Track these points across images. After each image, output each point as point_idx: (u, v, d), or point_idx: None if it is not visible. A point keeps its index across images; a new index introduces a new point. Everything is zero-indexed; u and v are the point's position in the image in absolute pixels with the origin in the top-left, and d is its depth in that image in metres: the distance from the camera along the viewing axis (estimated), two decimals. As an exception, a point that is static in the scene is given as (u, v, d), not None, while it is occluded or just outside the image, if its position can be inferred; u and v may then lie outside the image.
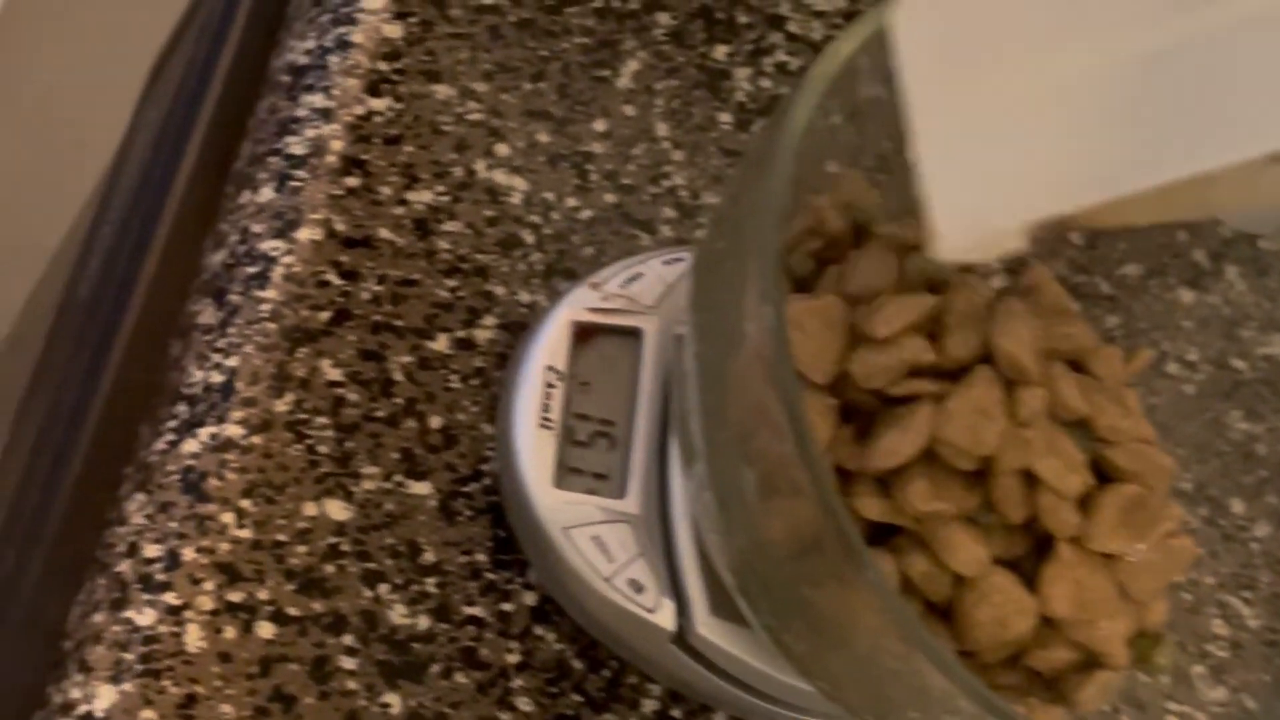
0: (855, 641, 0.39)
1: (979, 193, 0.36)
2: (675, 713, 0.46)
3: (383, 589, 0.43)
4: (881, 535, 0.41)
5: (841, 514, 0.36)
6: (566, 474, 0.44)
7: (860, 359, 0.40)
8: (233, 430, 0.43)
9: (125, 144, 0.80)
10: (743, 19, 0.56)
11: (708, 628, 0.43)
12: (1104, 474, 0.40)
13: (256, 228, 0.47)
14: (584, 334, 0.46)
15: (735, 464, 0.41)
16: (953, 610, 0.41)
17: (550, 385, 0.45)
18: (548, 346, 0.45)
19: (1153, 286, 0.54)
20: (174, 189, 0.54)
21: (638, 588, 0.43)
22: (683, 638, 0.44)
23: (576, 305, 0.46)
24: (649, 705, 0.46)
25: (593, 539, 0.44)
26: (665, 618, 0.43)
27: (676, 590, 0.44)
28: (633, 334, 0.46)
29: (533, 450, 0.44)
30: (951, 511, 0.40)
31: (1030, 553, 0.41)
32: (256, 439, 0.43)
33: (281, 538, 0.43)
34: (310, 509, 0.43)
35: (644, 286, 0.47)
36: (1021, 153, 0.36)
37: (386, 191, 0.48)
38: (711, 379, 0.42)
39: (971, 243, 0.36)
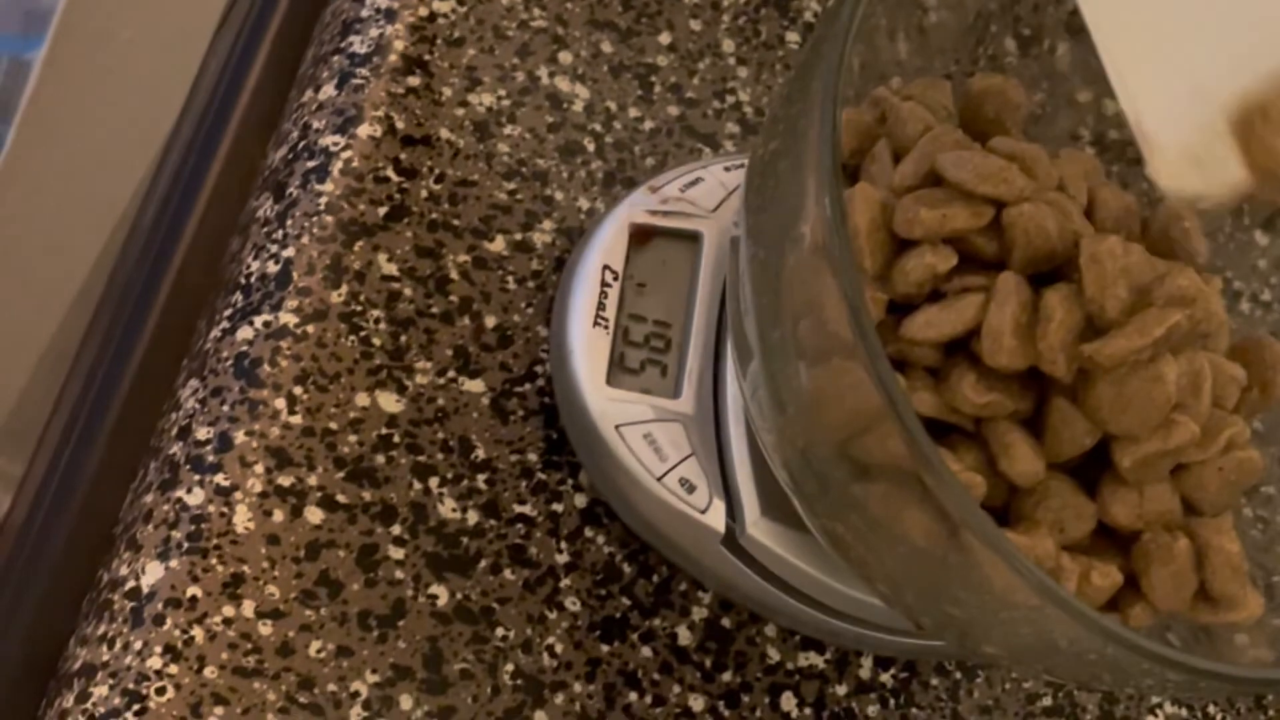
0: (912, 536, 0.38)
1: (1185, 94, 0.35)
2: (725, 622, 0.45)
3: (433, 482, 0.43)
4: (934, 434, 0.40)
5: (902, 401, 0.35)
6: (620, 372, 0.44)
7: (907, 256, 0.40)
8: (287, 318, 0.43)
9: (195, 85, 0.80)
10: (812, -61, 0.55)
11: (758, 529, 0.43)
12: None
13: (317, 123, 0.46)
14: (642, 236, 0.46)
15: (790, 360, 0.41)
16: (1009, 511, 0.40)
17: (606, 285, 0.45)
18: (605, 247, 0.45)
19: (1227, 226, 0.53)
20: (241, 99, 0.54)
21: (689, 487, 0.43)
22: (733, 539, 0.43)
23: (635, 207, 0.46)
24: (698, 613, 0.45)
25: (644, 437, 0.43)
26: (716, 518, 0.43)
27: (728, 492, 0.43)
28: (691, 237, 0.46)
29: (586, 347, 0.44)
30: (1006, 407, 0.39)
31: (1088, 457, 0.40)
32: (310, 328, 0.43)
33: (332, 425, 0.43)
34: (362, 399, 0.43)
35: (703, 191, 0.46)
36: (1210, 32, 0.35)
37: (447, 93, 0.48)
38: (766, 278, 0.41)
39: (1192, 163, 0.35)
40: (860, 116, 0.43)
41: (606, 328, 0.44)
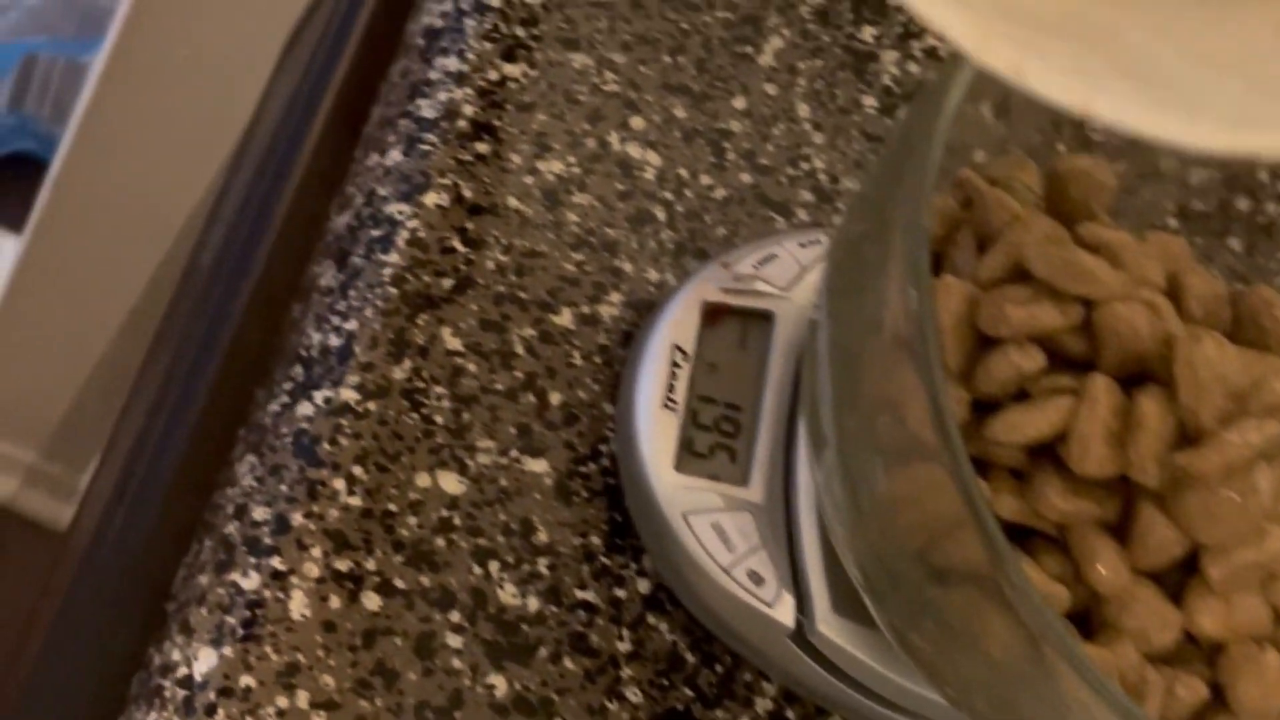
0: (988, 645, 0.37)
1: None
2: (790, 714, 0.44)
3: (493, 566, 0.42)
4: (1013, 537, 0.39)
5: (982, 507, 0.34)
6: (688, 457, 0.43)
7: (991, 354, 0.38)
8: (348, 395, 0.42)
9: (257, 114, 0.80)
10: None
11: (828, 625, 0.41)
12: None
13: (383, 190, 0.45)
14: (713, 314, 0.44)
15: (867, 453, 0.39)
16: (1091, 618, 0.39)
17: (676, 365, 0.43)
18: (675, 325, 0.44)
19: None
20: (302, 152, 0.53)
21: (757, 580, 0.42)
22: (802, 634, 0.42)
23: (707, 284, 0.44)
24: (762, 704, 0.44)
25: (712, 526, 0.42)
26: (785, 613, 0.41)
27: (797, 585, 0.42)
28: (763, 317, 0.44)
29: (654, 431, 0.42)
30: (1092, 514, 0.37)
31: (1176, 565, 0.39)
32: (372, 405, 0.42)
33: (392, 507, 0.41)
34: (423, 480, 0.42)
35: (777, 269, 0.45)
36: None
37: (516, 160, 0.47)
38: (845, 364, 0.40)
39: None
40: (944, 201, 0.41)
41: (675, 410, 0.43)
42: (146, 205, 1.12)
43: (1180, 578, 0.39)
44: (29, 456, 1.31)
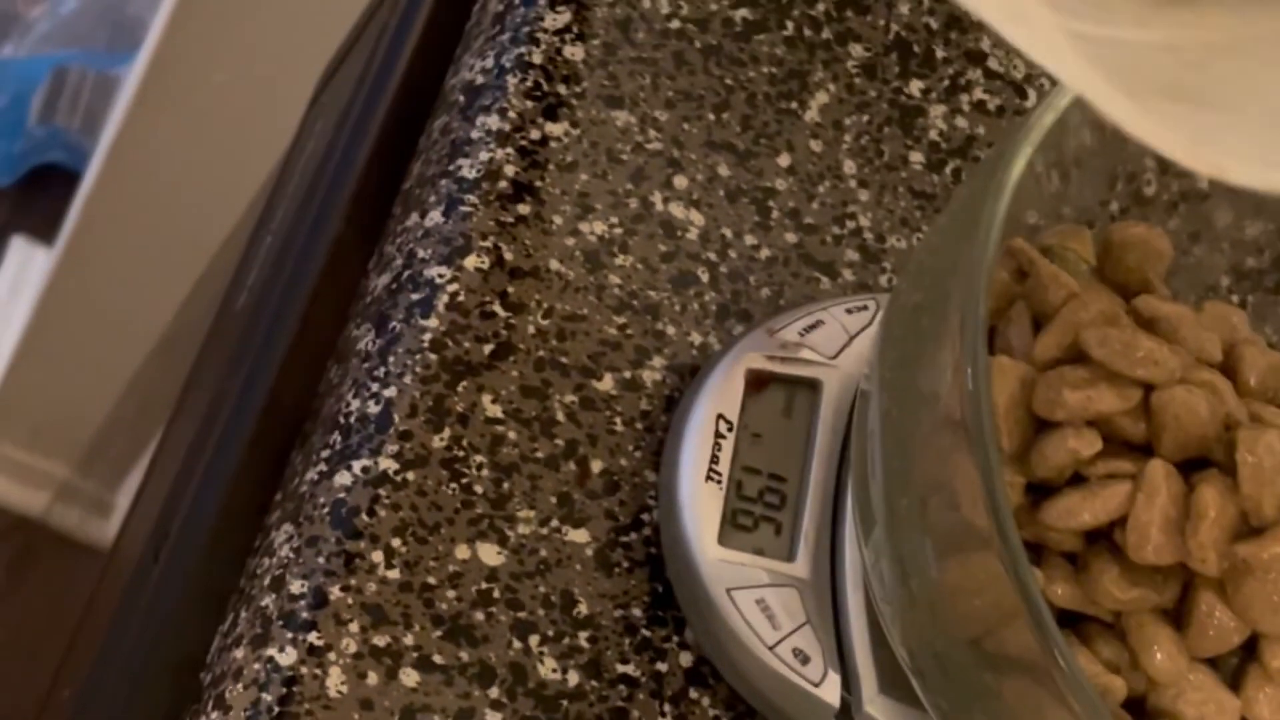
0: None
1: None
2: (833, 790, 0.43)
3: (533, 640, 0.41)
4: (1067, 621, 0.38)
5: (1036, 597, 0.33)
6: (732, 531, 0.42)
7: (1047, 438, 0.37)
8: (386, 464, 0.41)
9: (292, 151, 0.79)
10: (940, 53, 0.53)
11: (875, 706, 0.40)
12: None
13: (423, 252, 0.45)
14: (758, 383, 0.43)
15: (918, 533, 0.38)
16: (1147, 704, 0.38)
17: (720, 435, 0.43)
18: (719, 393, 0.43)
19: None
20: (339, 204, 0.52)
21: (803, 658, 0.41)
22: (848, 714, 0.41)
23: (752, 352, 0.44)
24: (806, 781, 0.43)
25: (757, 603, 0.41)
26: (831, 692, 0.41)
27: (844, 663, 0.41)
28: (810, 385, 0.44)
29: (698, 504, 0.42)
30: (1150, 602, 0.37)
31: (1235, 650, 0.38)
32: (411, 475, 0.41)
33: (431, 580, 0.41)
34: (462, 551, 0.41)
35: (824, 335, 0.44)
36: None
37: (558, 221, 0.46)
38: (897, 440, 0.39)
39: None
40: (998, 274, 0.40)
41: (720, 482, 0.42)
42: (178, 227, 1.12)
43: (1238, 664, 0.38)
44: (62, 472, 1.31)
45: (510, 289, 0.44)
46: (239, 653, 0.40)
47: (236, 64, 1.08)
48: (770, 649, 0.41)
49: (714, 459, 0.42)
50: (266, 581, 0.41)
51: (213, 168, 1.07)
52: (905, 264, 0.49)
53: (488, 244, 0.45)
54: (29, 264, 1.41)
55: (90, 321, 1.21)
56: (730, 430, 0.43)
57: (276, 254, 0.60)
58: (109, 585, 0.61)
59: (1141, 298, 0.40)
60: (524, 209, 0.45)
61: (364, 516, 0.41)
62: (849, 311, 0.45)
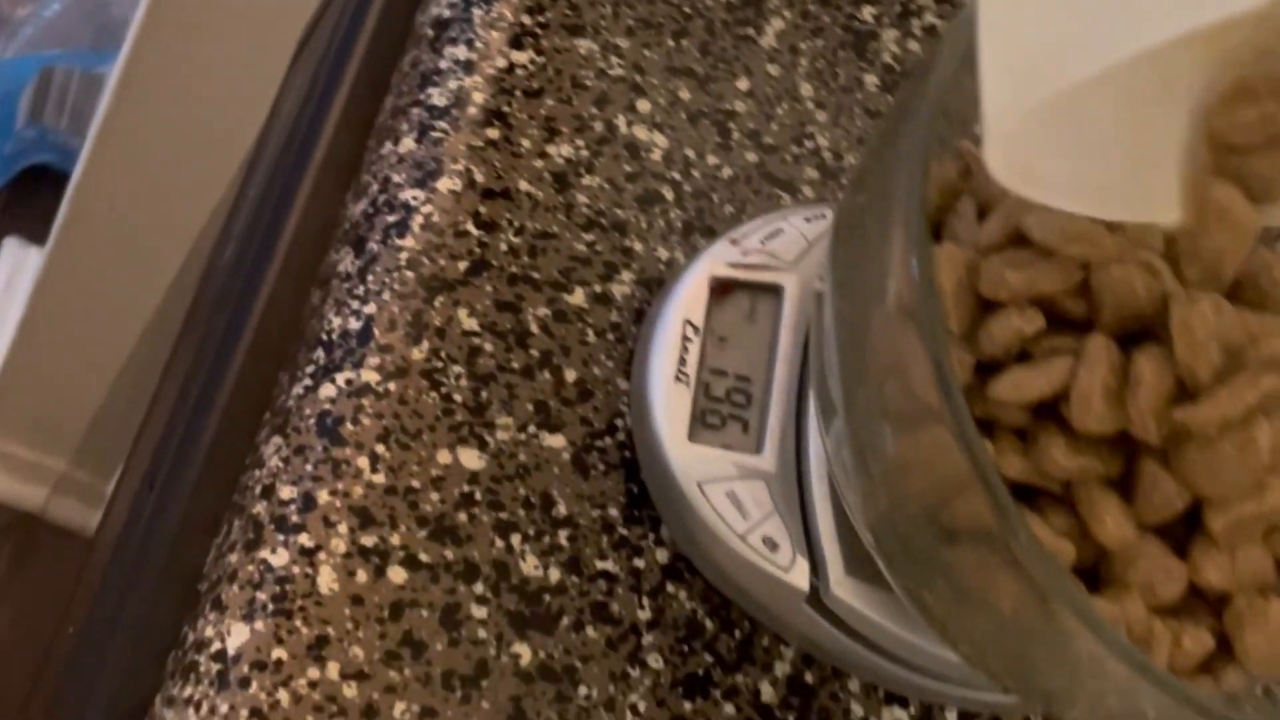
0: (998, 602, 0.38)
1: (1021, 71, 0.35)
2: (808, 677, 0.45)
3: (514, 539, 0.43)
4: (1019, 496, 0.40)
5: (987, 465, 0.35)
6: (701, 428, 0.44)
7: (993, 318, 0.39)
8: (369, 376, 0.43)
9: (272, 112, 0.81)
10: (891, -21, 0.55)
11: (842, 588, 0.42)
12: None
13: (397, 177, 0.47)
14: (722, 289, 0.45)
15: (875, 419, 0.40)
16: (1099, 574, 0.40)
17: (687, 339, 0.44)
18: (685, 301, 0.45)
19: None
20: (318, 145, 0.54)
21: (772, 546, 0.43)
22: (817, 598, 0.43)
23: (715, 260, 0.46)
24: (781, 668, 0.45)
25: (727, 495, 0.43)
26: (799, 577, 0.42)
27: (811, 549, 0.43)
28: (772, 290, 0.45)
29: (668, 403, 0.44)
30: (1096, 471, 0.38)
31: (1180, 520, 0.40)
32: (392, 385, 0.43)
33: (415, 484, 0.43)
34: (444, 456, 0.43)
35: (784, 243, 0.46)
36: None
37: (526, 144, 0.48)
38: (852, 335, 0.41)
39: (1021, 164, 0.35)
40: (944, 170, 0.42)
41: (687, 383, 0.44)
42: (166, 211, 1.13)
43: (1185, 532, 0.40)
44: (59, 465, 1.32)
45: (482, 209, 0.46)
46: (233, 557, 0.42)
47: (215, 43, 1.10)
48: (741, 538, 0.43)
49: (682, 361, 0.44)
50: (258, 491, 0.43)
51: (198, 150, 1.09)
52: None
53: (459, 167, 0.47)
54: (22, 265, 1.42)
55: (82, 315, 1.23)
56: (697, 334, 0.44)
57: (258, 202, 0.62)
58: (105, 535, 0.63)
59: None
60: (493, 133, 0.47)
61: (349, 425, 0.43)
62: (807, 220, 0.46)
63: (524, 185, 0.47)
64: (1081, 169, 0.36)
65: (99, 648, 0.49)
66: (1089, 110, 0.36)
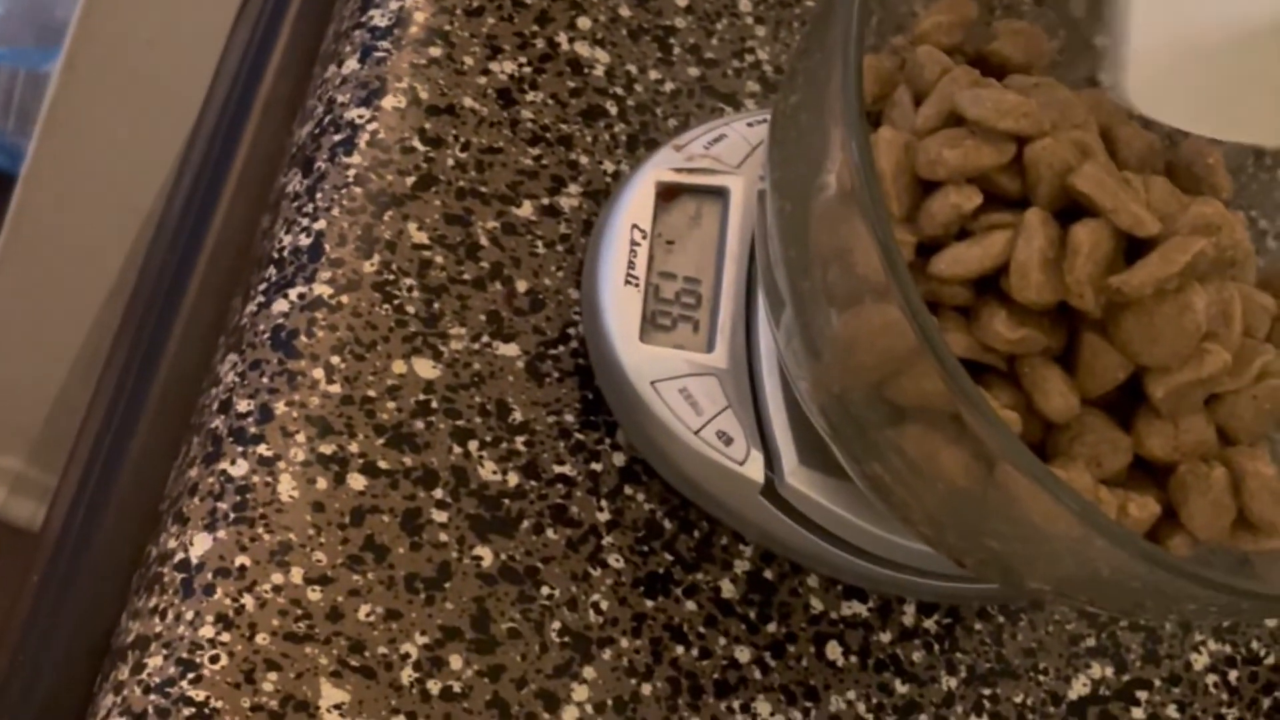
0: (951, 474, 0.38)
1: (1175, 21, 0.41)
2: (767, 574, 0.46)
3: (472, 445, 0.44)
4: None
5: (934, 334, 0.36)
6: (652, 329, 0.44)
7: (932, 198, 0.40)
8: (321, 289, 0.44)
9: (216, 74, 0.81)
10: (824, -104, 0.55)
11: (797, 478, 0.43)
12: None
13: (342, 98, 0.47)
14: (668, 194, 0.46)
15: (822, 307, 0.41)
16: (1046, 448, 0.41)
17: (635, 244, 0.45)
18: (632, 206, 0.45)
19: (1249, 166, 0.53)
20: (263, 82, 0.54)
21: (726, 440, 0.43)
22: (772, 489, 0.43)
23: (660, 167, 0.46)
24: (740, 565, 0.46)
25: (680, 392, 0.43)
26: (754, 469, 0.43)
27: (765, 442, 0.44)
28: (718, 193, 0.46)
29: (618, 306, 0.44)
30: (1038, 343, 0.39)
31: (1123, 392, 0.41)
32: (345, 298, 0.44)
33: (371, 393, 0.43)
34: (399, 366, 0.44)
35: (728, 147, 0.47)
36: None
37: (469, 62, 0.48)
38: (794, 229, 0.42)
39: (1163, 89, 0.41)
40: (880, 63, 0.43)
41: (637, 286, 0.44)
42: (115, 202, 1.13)
43: (1129, 405, 0.41)
44: (15, 464, 1.31)
45: (427, 125, 0.47)
46: (193, 472, 0.42)
47: (160, 18, 1.09)
48: (695, 433, 0.43)
49: (631, 265, 0.45)
50: (214, 407, 0.43)
51: (147, 126, 1.08)
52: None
53: (403, 85, 0.47)
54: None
55: (33, 311, 1.22)
56: (645, 238, 0.45)
57: (205, 148, 0.62)
58: (65, 482, 0.63)
59: (1014, 75, 0.43)
60: (435, 52, 0.48)
61: (303, 338, 0.43)
62: (749, 125, 0.47)
63: (468, 102, 0.48)
64: (1210, 102, 0.43)
65: (63, 581, 0.49)
66: (1227, 59, 0.43)
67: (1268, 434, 0.43)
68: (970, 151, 0.39)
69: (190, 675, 0.39)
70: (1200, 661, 0.50)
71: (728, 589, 0.45)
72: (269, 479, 0.41)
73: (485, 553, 0.43)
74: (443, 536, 0.42)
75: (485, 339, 0.45)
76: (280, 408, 0.42)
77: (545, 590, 0.43)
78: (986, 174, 0.39)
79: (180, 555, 0.41)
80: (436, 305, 0.45)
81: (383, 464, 0.43)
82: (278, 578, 0.40)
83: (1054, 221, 0.39)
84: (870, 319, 0.38)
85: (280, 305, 0.44)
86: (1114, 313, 0.39)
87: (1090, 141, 0.40)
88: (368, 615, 0.41)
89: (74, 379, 1.22)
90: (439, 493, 0.43)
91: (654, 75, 0.50)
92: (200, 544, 0.40)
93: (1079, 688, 0.48)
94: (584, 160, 0.48)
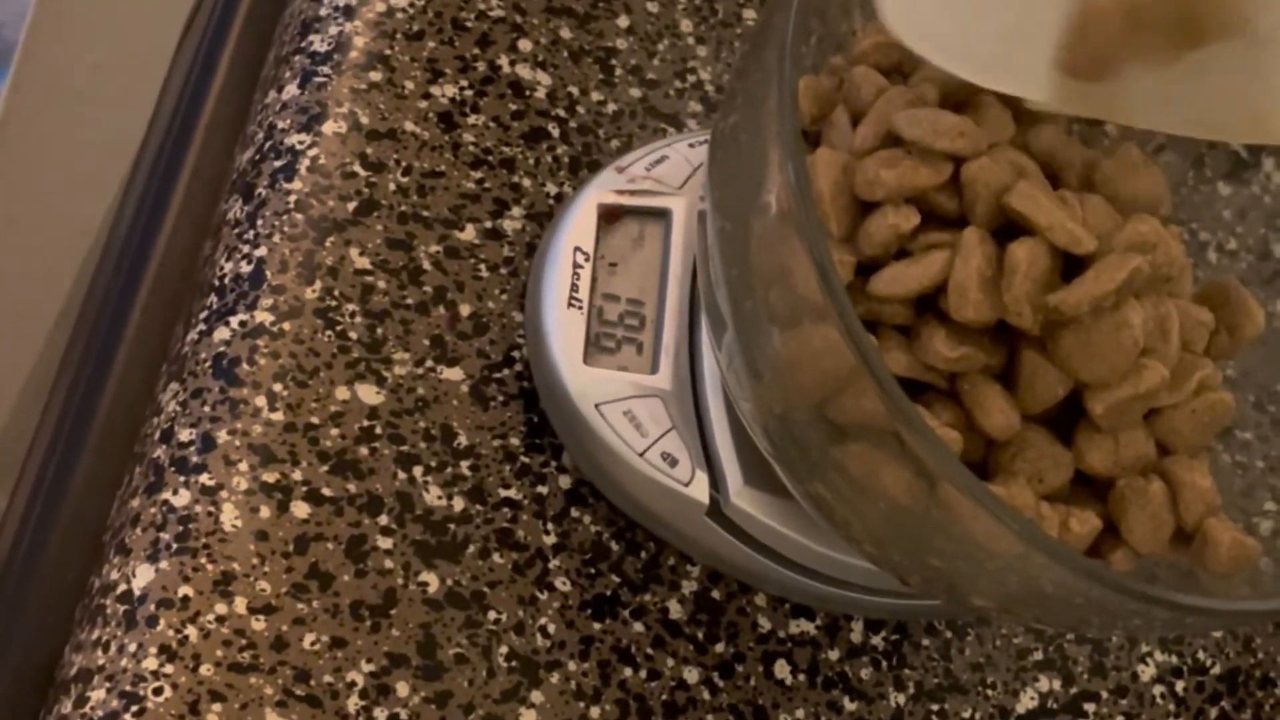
0: (893, 493, 0.38)
1: None
2: (714, 593, 0.46)
3: (417, 471, 0.44)
4: (908, 395, 0.41)
5: (873, 355, 0.36)
6: (596, 351, 0.44)
7: (870, 218, 0.40)
8: (263, 316, 0.44)
9: (161, 96, 0.81)
10: (764, -84, 0.56)
11: (742, 498, 0.43)
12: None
13: (282, 123, 0.47)
14: (610, 216, 0.46)
15: (763, 328, 0.41)
16: (987, 466, 0.41)
17: (578, 266, 0.45)
18: (575, 229, 0.45)
19: (1190, 179, 0.54)
20: (205, 108, 0.54)
21: (671, 461, 0.43)
22: (717, 509, 0.43)
23: (602, 188, 0.46)
24: (688, 586, 0.46)
25: (624, 414, 0.44)
26: (699, 490, 0.43)
27: (710, 464, 0.44)
28: (659, 215, 0.46)
29: (562, 329, 0.44)
30: (978, 361, 0.39)
31: (1063, 408, 0.41)
32: (286, 325, 0.44)
33: (314, 420, 0.43)
34: (342, 393, 0.44)
35: (669, 168, 0.47)
36: None
37: (410, 86, 0.48)
38: (735, 249, 0.42)
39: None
40: (818, 84, 0.43)
41: (581, 308, 0.44)
42: (64, 221, 1.12)
43: (1069, 421, 0.41)
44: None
45: (369, 150, 0.47)
46: (135, 502, 0.42)
47: (106, 41, 1.09)
48: (640, 455, 0.43)
49: (574, 288, 0.45)
50: (156, 436, 0.43)
51: (94, 149, 1.08)
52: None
53: (344, 110, 0.47)
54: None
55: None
56: (587, 260, 0.45)
57: (148, 173, 0.62)
58: (14, 506, 0.63)
59: (957, 88, 0.43)
60: (376, 76, 0.48)
61: (245, 365, 0.43)
62: (691, 146, 0.47)
63: (409, 126, 0.48)
64: (969, 34, 0.39)
65: (6, 616, 0.49)
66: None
67: (1207, 446, 0.43)
68: (907, 171, 0.39)
69: (134, 708, 0.39)
70: (1147, 673, 0.50)
71: (675, 610, 0.45)
72: (212, 508, 0.41)
73: (431, 578, 0.43)
74: (388, 563, 0.42)
75: (429, 363, 0.45)
76: (222, 436, 0.42)
77: (492, 615, 0.43)
78: (924, 194, 0.39)
79: (123, 586, 0.40)
80: (379, 330, 0.45)
81: (327, 491, 0.42)
82: (221, 608, 0.40)
83: (992, 240, 0.39)
84: (810, 339, 0.39)
85: (222, 333, 0.43)
86: (1052, 330, 0.39)
87: (1022, 160, 0.41)
88: (313, 644, 0.41)
89: (22, 405, 1.21)
90: (384, 519, 0.43)
91: (596, 96, 0.51)
92: (143, 575, 0.40)
93: (1027, 701, 0.48)
94: (526, 183, 0.48)
